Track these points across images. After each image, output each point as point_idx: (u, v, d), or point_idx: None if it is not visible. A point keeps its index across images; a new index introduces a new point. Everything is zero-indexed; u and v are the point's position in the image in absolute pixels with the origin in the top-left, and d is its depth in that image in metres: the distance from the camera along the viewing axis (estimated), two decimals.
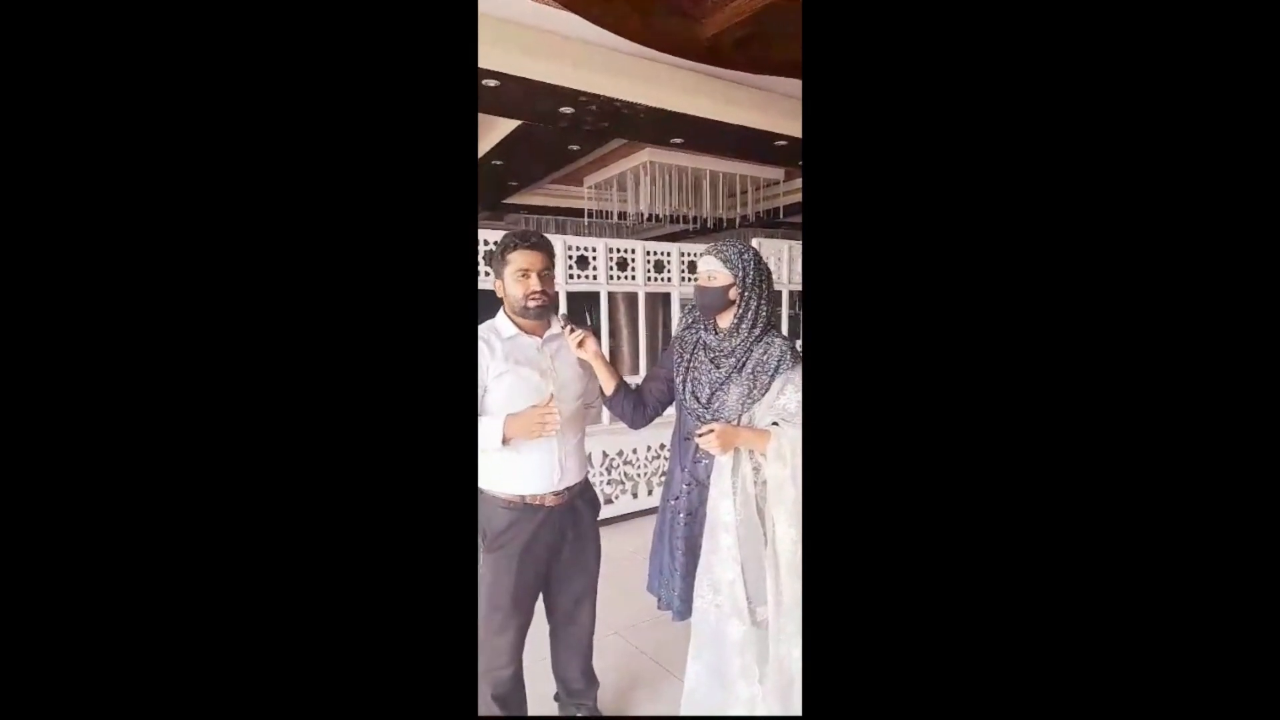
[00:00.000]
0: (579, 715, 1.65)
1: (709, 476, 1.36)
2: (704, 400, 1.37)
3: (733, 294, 1.36)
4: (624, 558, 2.65)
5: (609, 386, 1.43)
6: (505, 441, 1.31)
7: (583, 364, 1.48)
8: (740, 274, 1.36)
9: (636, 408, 1.47)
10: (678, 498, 1.41)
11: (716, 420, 1.34)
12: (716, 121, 3.27)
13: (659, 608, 1.49)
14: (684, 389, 1.41)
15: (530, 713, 1.56)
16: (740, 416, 1.35)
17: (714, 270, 1.37)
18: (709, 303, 1.38)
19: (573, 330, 1.39)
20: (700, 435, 1.32)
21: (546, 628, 1.60)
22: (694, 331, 1.45)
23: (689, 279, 3.41)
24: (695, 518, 1.38)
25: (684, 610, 1.40)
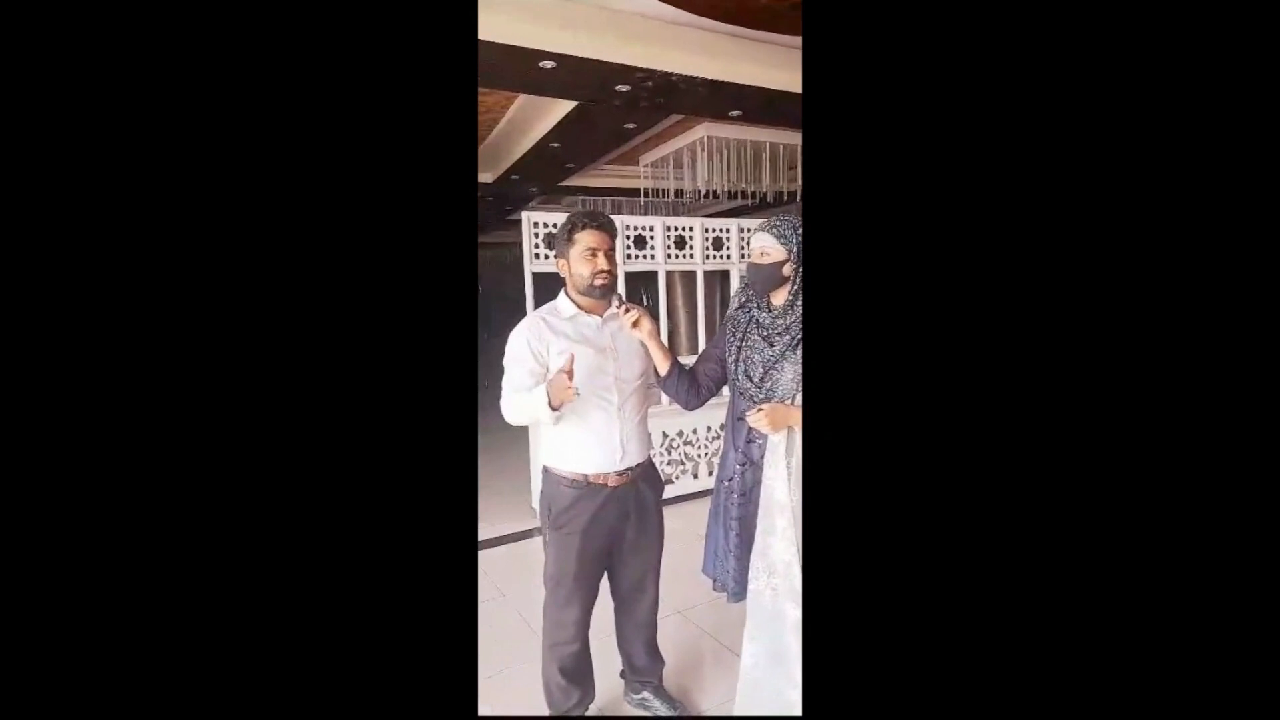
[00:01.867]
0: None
1: (763, 457, 1.34)
2: (757, 380, 1.35)
3: (786, 270, 1.33)
4: (684, 538, 2.66)
5: (663, 367, 1.42)
6: (555, 408, 1.31)
7: (642, 343, 1.48)
8: (795, 249, 1.32)
9: (690, 389, 1.46)
10: (731, 478, 1.40)
11: (769, 400, 1.32)
12: (776, 91, 3.16)
13: (715, 589, 1.48)
14: (736, 369, 1.39)
15: (597, 689, 1.59)
16: (795, 395, 1.32)
17: (767, 246, 1.34)
18: (762, 279, 1.35)
19: (627, 309, 1.38)
20: (751, 415, 1.29)
21: (611, 605, 1.62)
22: (746, 310, 1.42)
23: (748, 255, 3.35)
24: (749, 498, 1.36)
25: (739, 592, 1.39)
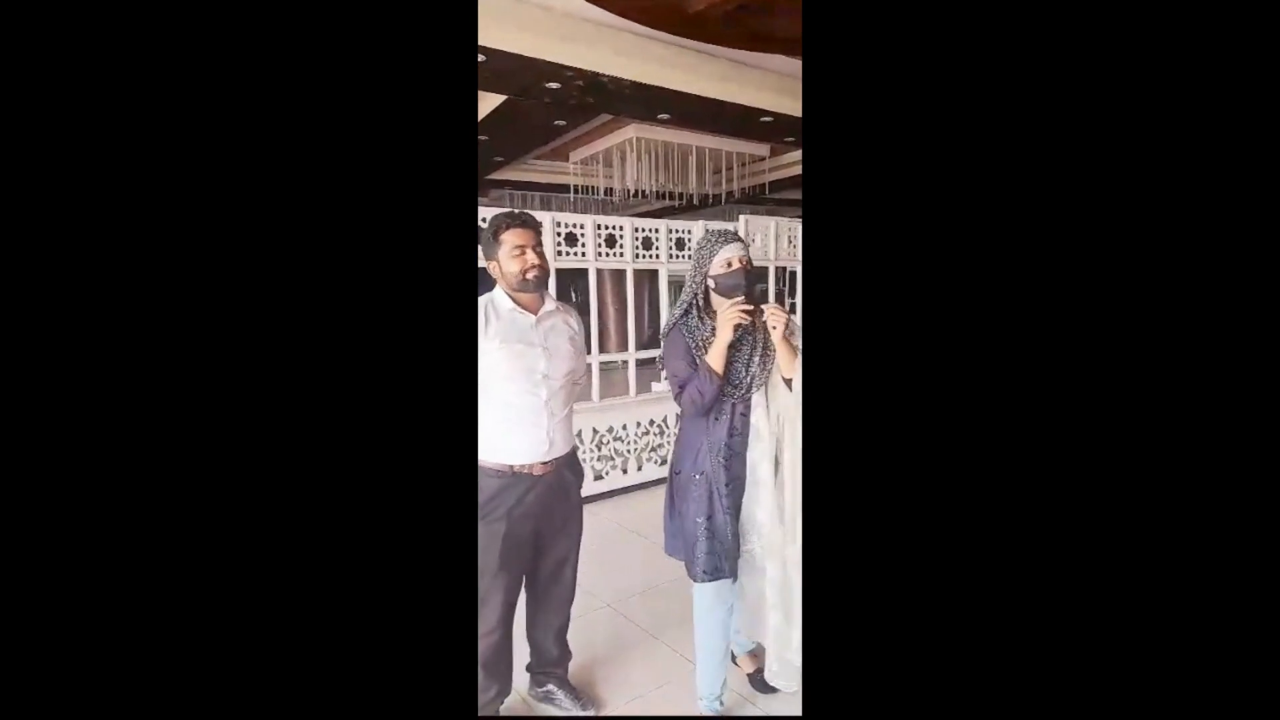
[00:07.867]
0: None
1: (745, 446, 1.45)
2: (736, 381, 1.44)
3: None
4: (613, 532, 2.69)
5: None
6: None
7: (572, 342, 1.51)
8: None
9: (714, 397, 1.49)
10: (703, 471, 1.47)
11: (750, 393, 1.44)
12: (702, 97, 3.25)
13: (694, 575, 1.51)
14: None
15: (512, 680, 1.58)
16: (765, 383, 1.45)
17: (744, 255, 1.45)
18: (744, 284, 1.43)
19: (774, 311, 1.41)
20: (773, 314, 1.38)
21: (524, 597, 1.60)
22: (692, 316, 1.48)
23: (678, 256, 3.42)
24: (737, 485, 1.47)
25: (735, 569, 1.49)
